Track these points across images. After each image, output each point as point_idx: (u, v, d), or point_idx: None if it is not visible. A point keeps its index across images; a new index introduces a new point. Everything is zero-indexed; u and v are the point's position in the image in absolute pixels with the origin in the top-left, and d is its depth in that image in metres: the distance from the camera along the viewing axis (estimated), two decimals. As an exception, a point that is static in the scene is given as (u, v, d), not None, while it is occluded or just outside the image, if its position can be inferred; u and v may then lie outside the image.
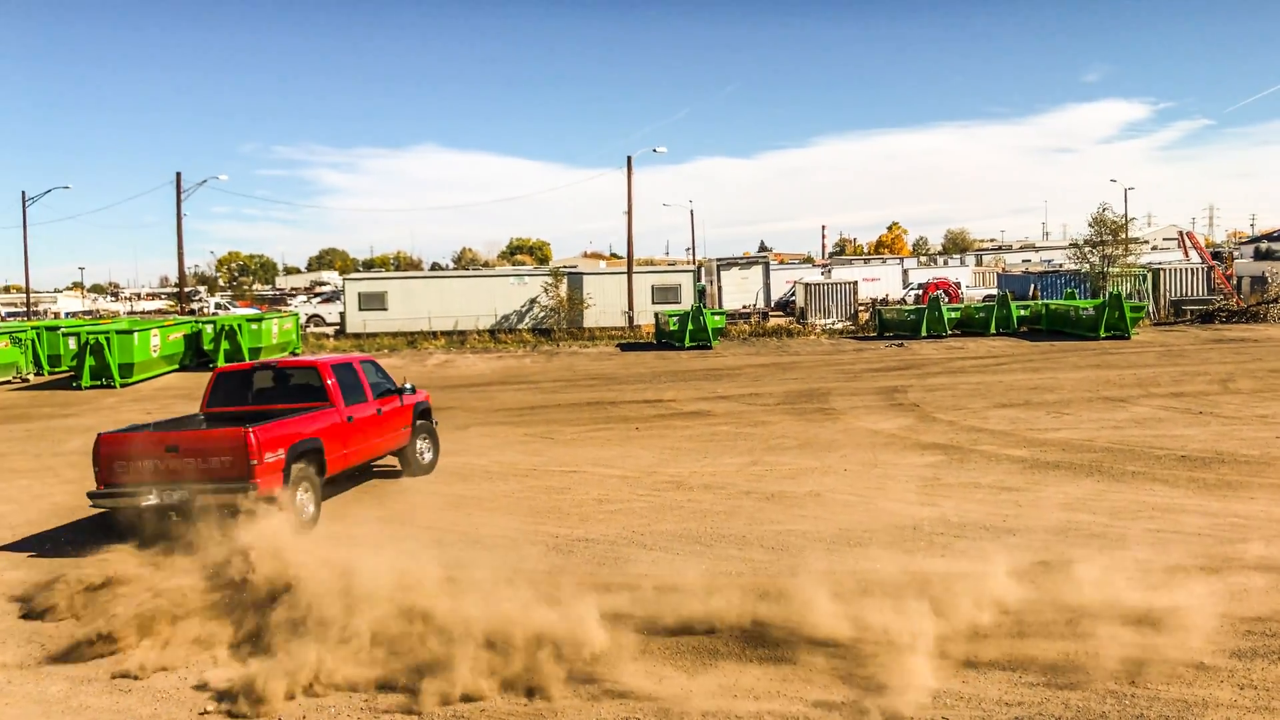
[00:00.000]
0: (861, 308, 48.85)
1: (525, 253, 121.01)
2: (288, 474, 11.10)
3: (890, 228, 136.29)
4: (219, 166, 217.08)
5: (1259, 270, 49.34)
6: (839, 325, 45.84)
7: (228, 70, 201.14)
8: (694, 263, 74.59)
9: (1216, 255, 53.14)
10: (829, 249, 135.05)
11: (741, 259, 59.82)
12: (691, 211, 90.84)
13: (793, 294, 54.93)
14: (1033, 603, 8.12)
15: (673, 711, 6.52)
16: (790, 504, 12.20)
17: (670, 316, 40.65)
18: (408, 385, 14.60)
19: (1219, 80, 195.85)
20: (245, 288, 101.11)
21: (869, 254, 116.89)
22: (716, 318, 41.15)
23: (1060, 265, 57.47)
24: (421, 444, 14.83)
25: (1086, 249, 47.21)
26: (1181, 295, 45.85)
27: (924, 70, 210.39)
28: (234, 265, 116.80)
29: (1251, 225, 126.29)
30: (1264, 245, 64.77)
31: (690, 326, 39.02)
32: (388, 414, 13.72)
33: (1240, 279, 48.20)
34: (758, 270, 54.91)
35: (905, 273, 66.80)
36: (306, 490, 11.50)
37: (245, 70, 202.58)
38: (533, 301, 48.38)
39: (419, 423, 14.76)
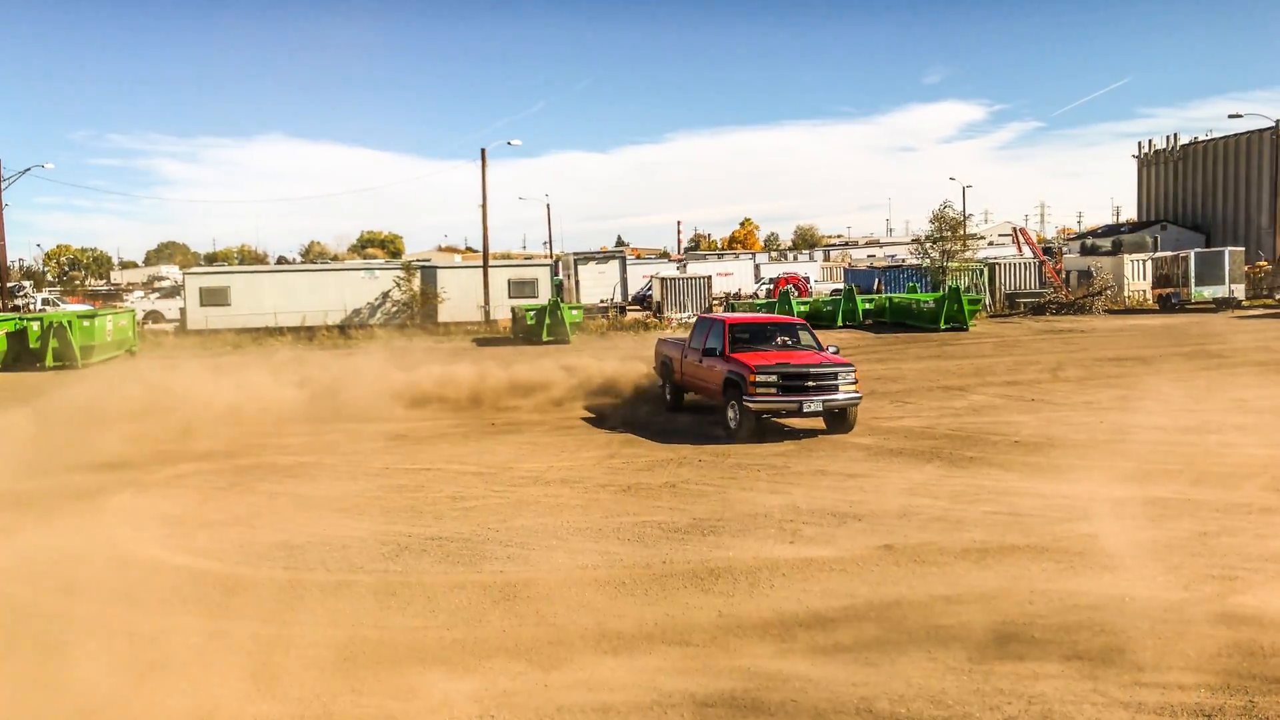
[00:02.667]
0: (716, 302, 49.63)
1: (377, 246, 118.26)
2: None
3: (743, 223, 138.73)
4: (46, 154, 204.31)
5: (1085, 265, 52.28)
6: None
7: (56, 53, 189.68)
8: (551, 257, 74.39)
9: (1047, 251, 56.10)
10: (684, 244, 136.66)
11: (599, 253, 59.94)
12: (548, 205, 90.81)
13: (649, 288, 55.40)
14: (870, 590, 8.41)
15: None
16: (646, 496, 12.29)
17: (528, 311, 40.44)
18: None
19: (1048, 85, 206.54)
20: (77, 282, 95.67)
21: (723, 249, 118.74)
22: (574, 312, 41.16)
23: (903, 260, 59.68)
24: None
25: (928, 244, 49.14)
26: (1016, 289, 48.24)
27: (773, 70, 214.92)
28: (64, 259, 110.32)
29: (1079, 222, 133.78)
30: (1090, 241, 68.54)
31: (548, 321, 38.92)
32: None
33: (1069, 273, 50.99)
34: (615, 265, 55.12)
35: (757, 268, 68.14)
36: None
37: (76, 54, 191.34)
38: (385, 296, 47.38)
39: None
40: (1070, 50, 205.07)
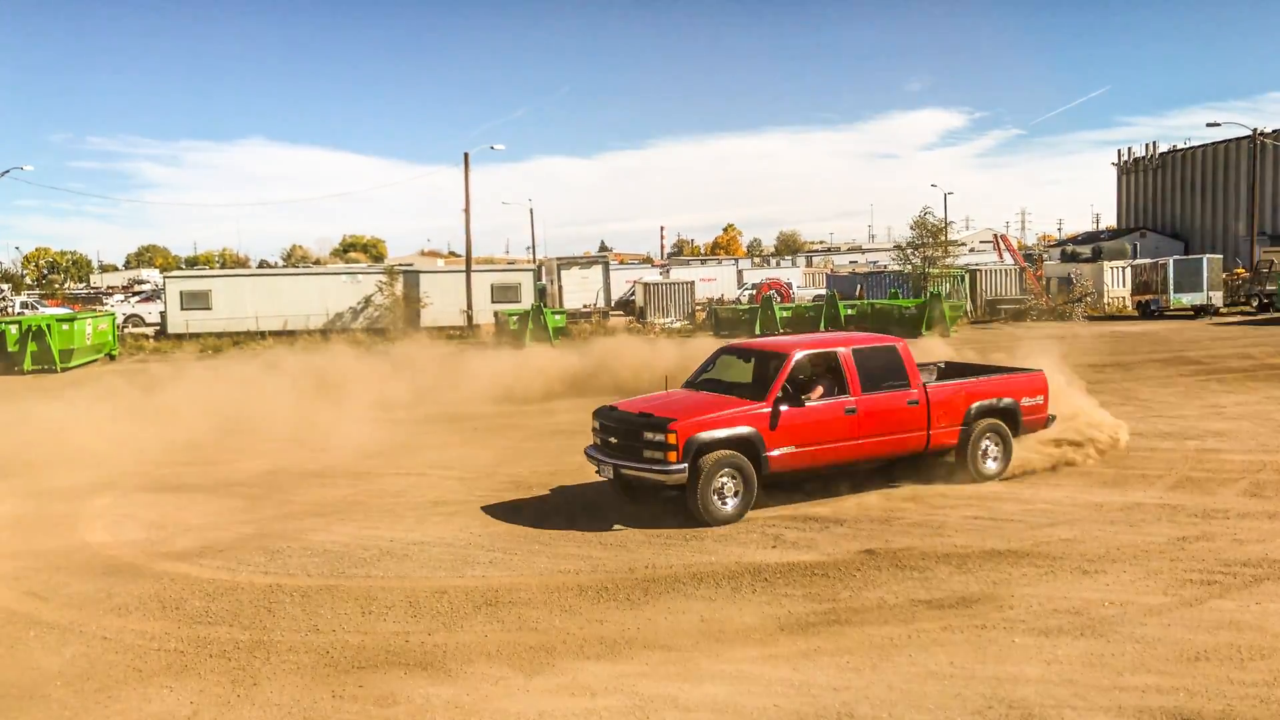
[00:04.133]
0: (699, 307, 49.71)
1: (359, 250, 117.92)
2: None
3: (726, 229, 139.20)
4: (25, 157, 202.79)
5: (1066, 272, 52.55)
6: (677, 324, 46.52)
7: (34, 54, 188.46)
8: (534, 262, 74.33)
9: (1028, 257, 56.33)
10: (667, 249, 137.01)
11: (582, 258, 59.93)
12: (531, 210, 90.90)
13: (633, 294, 55.41)
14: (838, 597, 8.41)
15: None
16: (628, 501, 12.25)
17: (511, 316, 40.43)
18: None
19: (1028, 94, 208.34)
20: (56, 286, 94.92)
21: (706, 255, 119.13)
22: (557, 317, 41.16)
23: (885, 266, 59.90)
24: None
25: (909, 251, 49.30)
26: (997, 295, 48.50)
27: (756, 77, 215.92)
28: (43, 262, 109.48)
29: (1059, 229, 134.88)
30: (1070, 248, 68.91)
31: (531, 326, 38.91)
32: None
33: (1049, 280, 51.25)
34: (598, 270, 55.10)
35: (740, 273, 68.39)
36: None
37: (55, 55, 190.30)
38: (367, 300, 47.24)
39: None
40: (1050, 59, 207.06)
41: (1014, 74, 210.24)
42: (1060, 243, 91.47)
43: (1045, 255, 64.89)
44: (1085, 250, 62.46)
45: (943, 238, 49.56)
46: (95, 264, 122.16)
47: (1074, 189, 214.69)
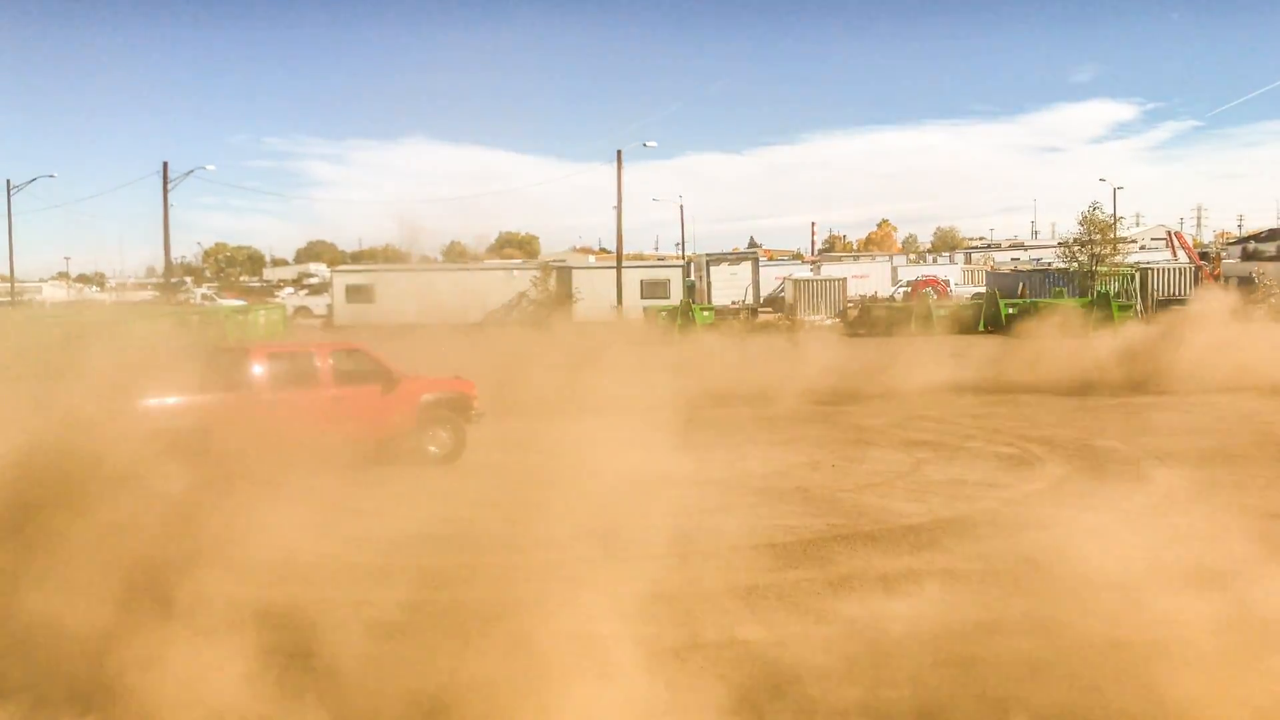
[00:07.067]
0: (850, 304, 48.91)
1: (514, 247, 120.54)
2: None
3: (879, 225, 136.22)
4: (208, 157, 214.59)
5: (1246, 271, 49.53)
6: (828, 322, 45.90)
7: (218, 61, 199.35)
8: (683, 258, 74.52)
9: (1204, 255, 53.41)
10: (818, 246, 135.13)
11: (731, 254, 59.77)
12: (681, 207, 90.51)
13: (782, 290, 54.96)
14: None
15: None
16: (776, 498, 12.14)
17: (660, 312, 40.68)
18: None
19: (1205, 83, 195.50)
20: (232, 279, 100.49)
21: (858, 251, 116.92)
22: (705, 313, 41.23)
23: (1049, 264, 57.65)
24: None
25: (1075, 248, 47.34)
26: (1169, 295, 46.03)
27: (913, 69, 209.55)
28: (221, 256, 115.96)
29: (1239, 226, 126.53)
30: (1251, 246, 64.86)
31: (679, 322, 39.04)
32: None
33: (1228, 279, 48.39)
34: (747, 266, 54.84)
35: (894, 270, 66.90)
36: None
37: (236, 61, 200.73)
38: (521, 295, 48.28)
39: None
40: (1230, 46, 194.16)
41: (1189, 63, 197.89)
42: (1240, 240, 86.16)
43: (1223, 253, 61.33)
44: (1269, 248, 58.68)
45: (1112, 234, 47.36)
46: (268, 258, 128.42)
47: (1257, 183, 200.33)
